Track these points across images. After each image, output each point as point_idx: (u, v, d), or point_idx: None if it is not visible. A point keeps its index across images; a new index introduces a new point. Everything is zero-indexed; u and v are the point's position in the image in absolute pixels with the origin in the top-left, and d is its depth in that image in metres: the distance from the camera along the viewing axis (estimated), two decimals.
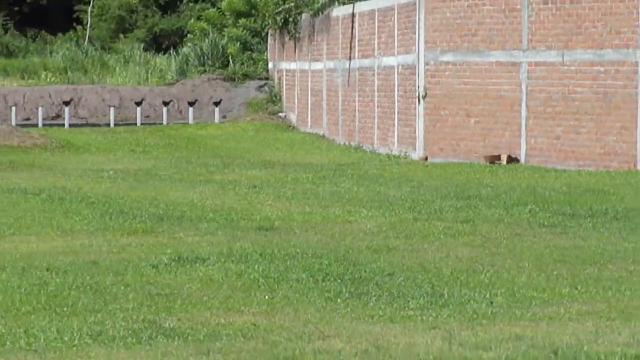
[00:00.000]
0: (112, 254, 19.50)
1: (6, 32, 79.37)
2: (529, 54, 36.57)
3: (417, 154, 39.52)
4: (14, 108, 55.83)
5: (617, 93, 34.37)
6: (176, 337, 13.18)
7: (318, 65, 51.49)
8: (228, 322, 14.05)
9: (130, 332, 13.44)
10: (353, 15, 46.86)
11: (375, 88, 43.76)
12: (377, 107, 43.52)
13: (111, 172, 35.76)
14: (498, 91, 37.31)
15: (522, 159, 36.32)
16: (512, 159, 36.37)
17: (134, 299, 15.58)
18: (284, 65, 57.29)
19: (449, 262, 18.33)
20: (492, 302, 15.21)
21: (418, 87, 39.66)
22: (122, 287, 16.39)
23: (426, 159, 38.79)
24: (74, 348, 12.70)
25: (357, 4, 47.00)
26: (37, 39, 79.30)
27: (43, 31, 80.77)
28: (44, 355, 12.42)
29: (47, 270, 17.74)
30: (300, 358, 12.19)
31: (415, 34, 39.89)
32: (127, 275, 17.32)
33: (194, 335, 13.32)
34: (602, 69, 34.78)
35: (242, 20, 62.36)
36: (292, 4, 55.61)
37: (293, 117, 54.77)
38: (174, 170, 36.04)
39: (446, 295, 15.68)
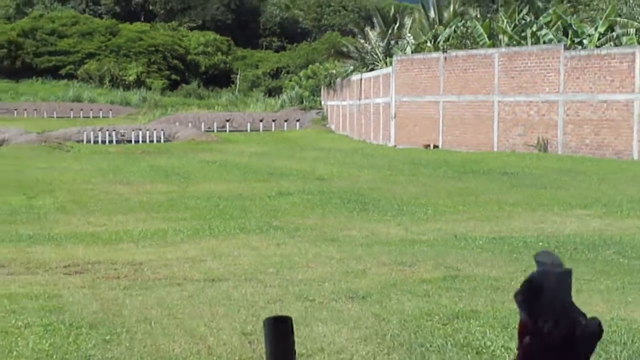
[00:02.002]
0: (248, 190, 19.58)
1: (199, 87, 79.52)
2: (443, 97, 36.37)
3: (391, 144, 39.41)
4: (202, 123, 55.99)
5: (484, 115, 34.21)
6: (279, 229, 13.25)
7: (344, 103, 51.28)
8: (303, 222, 14.11)
9: (257, 227, 13.52)
10: (361, 79, 46.71)
11: (372, 113, 43.60)
12: (372, 122, 43.38)
13: (248, 153, 35.78)
14: (429, 115, 37.13)
15: (440, 146, 36.17)
16: (435, 146, 36.24)
17: (259, 211, 15.65)
18: (329, 102, 57.07)
19: (406, 194, 18.33)
20: (426, 212, 15.24)
21: (391, 113, 39.54)
22: (253, 207, 16.46)
23: (395, 146, 38.68)
24: (231, 234, 12.79)
25: (363, 74, 46.85)
26: (213, 90, 79.32)
27: (216, 87, 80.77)
28: (217, 237, 12.50)
29: (218, 198, 17.83)
30: (336, 239, 12.25)
31: (390, 87, 39.78)
32: (256, 201, 17.39)
33: (287, 228, 13.38)
34: (477, 104, 34.60)
35: (310, 80, 62.24)
36: (333, 72, 55.55)
37: (332, 127, 54.56)
38: (277, 152, 36.10)
39: (404, 209, 15.69)
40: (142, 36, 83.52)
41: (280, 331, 1.09)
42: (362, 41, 53.52)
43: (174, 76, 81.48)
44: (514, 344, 6.67)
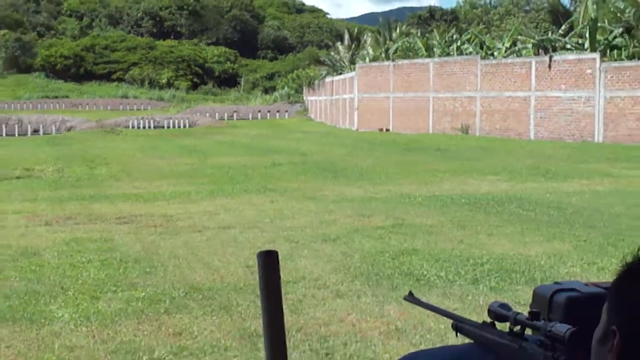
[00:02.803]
0: (250, 162, 19.42)
1: (214, 87, 78.94)
2: (393, 94, 36.18)
3: (354, 128, 39.22)
4: (217, 113, 55.39)
5: (423, 108, 34.10)
6: (272, 191, 13.14)
7: (320, 98, 50.95)
8: (290, 185, 14.03)
9: (256, 189, 13.42)
10: (333, 81, 46.41)
11: (340, 105, 43.38)
12: (341, 112, 43.14)
13: (250, 135, 35.44)
14: (383, 107, 36.97)
15: (391, 130, 36.04)
16: (387, 130, 36.10)
17: (258, 178, 15.55)
18: (309, 97, 56.63)
19: (365, 165, 18.26)
20: (380, 178, 15.16)
21: (355, 105, 39.33)
22: (254, 174, 16.33)
23: (358, 130, 38.51)
24: (237, 194, 12.69)
25: (334, 77, 46.52)
26: (224, 89, 78.57)
27: (226, 87, 79.98)
28: (227, 197, 12.41)
29: (228, 168, 17.71)
30: (314, 197, 12.18)
31: (354, 86, 39.53)
32: (256, 170, 17.28)
33: (279, 190, 13.30)
34: (417, 99, 34.47)
35: (295, 82, 61.59)
36: (312, 75, 55.03)
37: (312, 116, 54.21)
38: (272, 135, 35.88)
39: (364, 176, 15.64)
40: (172, 50, 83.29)
41: (268, 262, 1.07)
42: (334, 53, 53.32)
43: (195, 79, 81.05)
44: (444, 273, 6.70)
